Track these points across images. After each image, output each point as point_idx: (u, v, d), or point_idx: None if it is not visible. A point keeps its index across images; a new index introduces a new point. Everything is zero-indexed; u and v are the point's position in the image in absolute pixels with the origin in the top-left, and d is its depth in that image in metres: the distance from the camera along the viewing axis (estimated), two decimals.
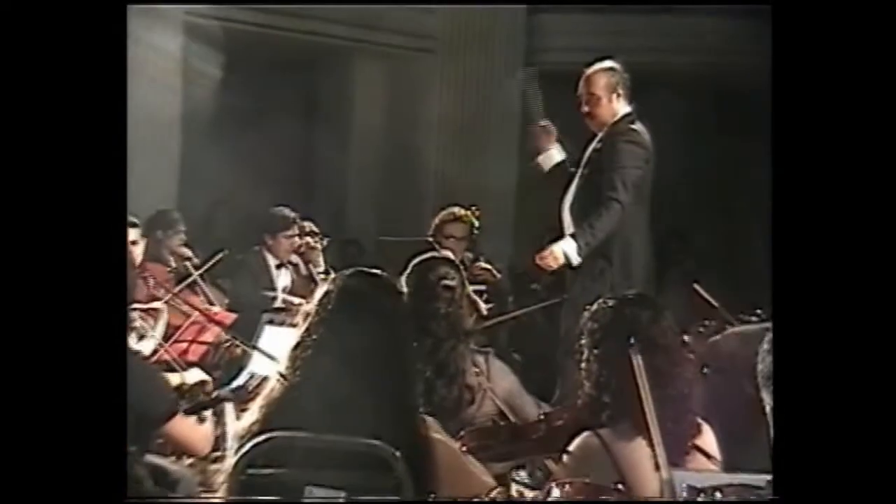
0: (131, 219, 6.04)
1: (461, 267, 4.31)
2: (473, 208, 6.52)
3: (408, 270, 4.11)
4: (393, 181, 9.79)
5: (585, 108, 5.30)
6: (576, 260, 5.11)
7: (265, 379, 3.02)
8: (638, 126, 5.26)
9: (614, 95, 5.26)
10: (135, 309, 4.65)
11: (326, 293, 2.83)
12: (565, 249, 5.11)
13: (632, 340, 2.74)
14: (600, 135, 5.29)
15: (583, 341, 3.11)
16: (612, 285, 5.04)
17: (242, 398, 3.11)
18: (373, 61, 10.05)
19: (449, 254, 5.18)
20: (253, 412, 2.77)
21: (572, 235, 5.14)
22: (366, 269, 2.98)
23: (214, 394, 3.09)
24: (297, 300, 6.33)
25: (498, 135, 9.74)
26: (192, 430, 3.35)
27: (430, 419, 3.00)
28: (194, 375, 4.03)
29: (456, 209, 6.49)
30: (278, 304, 6.52)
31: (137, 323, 4.51)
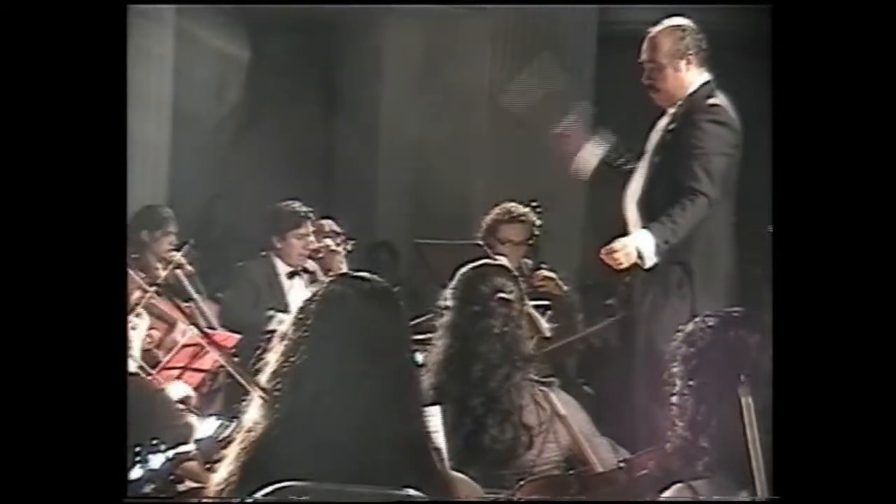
0: None
1: (519, 277, 4.28)
2: (534, 204, 6.47)
3: (454, 281, 4.11)
4: (433, 171, 9.78)
5: (647, 80, 5.26)
6: (651, 260, 5.00)
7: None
8: (720, 100, 5.21)
9: (682, 63, 5.20)
10: None
11: (305, 304, 2.81)
12: (639, 246, 4.98)
13: (742, 377, 2.72)
14: (672, 111, 5.25)
15: (675, 369, 3.08)
16: (693, 300, 5.01)
17: (211, 452, 3.08)
18: (407, 23, 10.06)
19: (504, 261, 5.16)
20: (229, 461, 2.75)
21: (649, 229, 5.03)
22: (354, 272, 2.95)
23: (171, 453, 3.05)
24: None
25: (565, 113, 9.70)
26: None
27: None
28: (176, 391, 4.04)
29: (513, 206, 6.42)
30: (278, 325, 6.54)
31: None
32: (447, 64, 9.87)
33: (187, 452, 2.95)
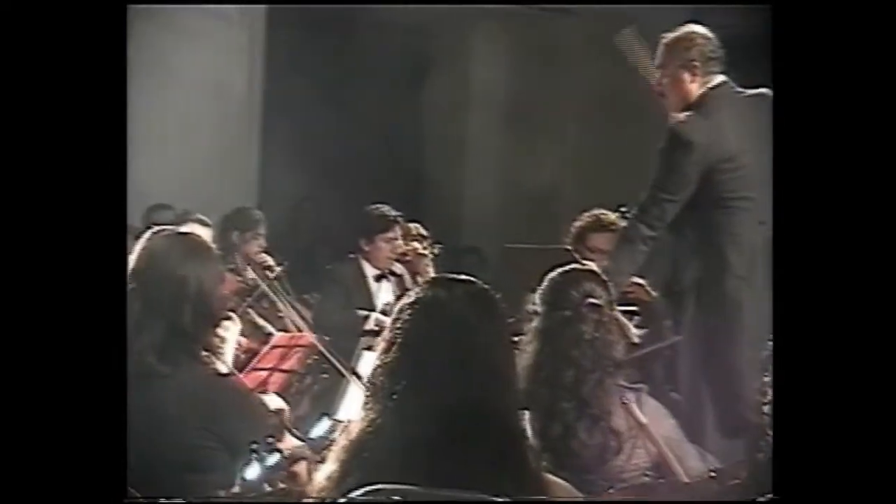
0: (201, 217, 6.16)
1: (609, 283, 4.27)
2: (623, 209, 6.41)
3: (543, 285, 4.11)
4: (521, 175, 9.77)
5: (657, 86, 5.16)
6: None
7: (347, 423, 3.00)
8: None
9: (686, 74, 5.05)
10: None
11: (403, 306, 2.78)
12: None
13: None
14: None
15: (766, 379, 3.07)
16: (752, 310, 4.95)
17: (319, 449, 3.08)
18: (495, 24, 10.07)
19: (594, 266, 5.14)
20: (331, 461, 2.75)
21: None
22: (452, 275, 2.89)
23: (287, 451, 3.05)
24: None
25: (654, 117, 9.64)
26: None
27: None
28: (272, 403, 4.08)
29: (602, 214, 6.33)
30: (372, 324, 6.56)
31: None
32: (533, 66, 9.86)
33: (302, 450, 2.95)
